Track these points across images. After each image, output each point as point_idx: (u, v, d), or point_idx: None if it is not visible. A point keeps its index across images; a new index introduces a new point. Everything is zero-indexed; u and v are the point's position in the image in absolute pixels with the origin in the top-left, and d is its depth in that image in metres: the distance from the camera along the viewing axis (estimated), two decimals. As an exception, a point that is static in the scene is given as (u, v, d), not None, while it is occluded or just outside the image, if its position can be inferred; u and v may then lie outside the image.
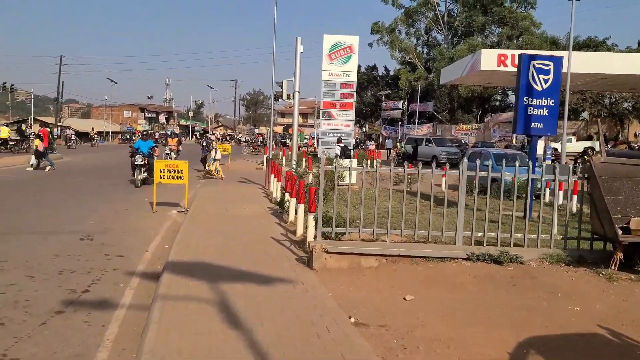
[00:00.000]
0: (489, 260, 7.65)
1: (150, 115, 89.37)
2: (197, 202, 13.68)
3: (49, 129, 34.56)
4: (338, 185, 17.24)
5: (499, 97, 70.38)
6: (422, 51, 70.85)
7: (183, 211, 12.59)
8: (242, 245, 8.52)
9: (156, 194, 12.70)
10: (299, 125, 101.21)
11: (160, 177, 12.50)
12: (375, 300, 6.15)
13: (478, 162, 8.54)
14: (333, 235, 8.17)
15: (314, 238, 7.94)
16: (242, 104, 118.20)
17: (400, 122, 69.17)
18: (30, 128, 47.62)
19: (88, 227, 10.31)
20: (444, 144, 36.45)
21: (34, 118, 70.29)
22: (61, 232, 9.72)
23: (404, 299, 6.24)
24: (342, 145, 19.94)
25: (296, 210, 10.08)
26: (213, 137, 28.66)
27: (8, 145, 31.88)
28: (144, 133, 20.87)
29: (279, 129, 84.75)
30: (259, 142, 51.15)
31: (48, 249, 8.34)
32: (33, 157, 20.94)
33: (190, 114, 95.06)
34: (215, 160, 21.44)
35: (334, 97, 32.95)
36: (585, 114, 56.81)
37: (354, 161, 18.24)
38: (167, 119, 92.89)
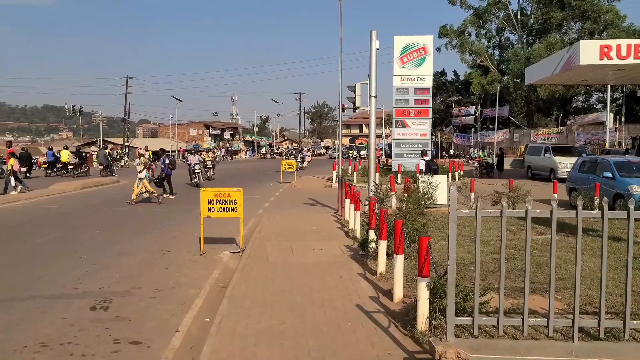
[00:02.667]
0: None
1: (215, 132, 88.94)
2: (256, 237, 10.98)
3: (107, 150, 33.34)
4: (425, 208, 14.25)
5: (581, 98, 65.05)
6: (494, 53, 67.08)
7: (238, 252, 9.93)
8: (315, 331, 5.59)
9: (204, 229, 10.12)
10: (364, 136, 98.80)
11: (209, 209, 9.87)
12: None
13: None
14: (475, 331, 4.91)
15: (431, 327, 4.96)
16: (307, 117, 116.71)
17: (473, 129, 65.29)
18: (107, 149, 47.30)
19: (111, 282, 7.77)
20: (568, 152, 27.62)
21: (103, 139, 71.12)
22: (73, 295, 7.20)
23: None
24: (427, 159, 16.80)
25: (388, 255, 7.17)
26: (142, 151, 24.43)
27: (69, 169, 30.75)
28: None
29: (345, 140, 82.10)
30: (295, 155, 48.44)
31: (39, 331, 5.78)
32: (12, 178, 18.93)
33: (255, 129, 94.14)
34: (141, 180, 17.52)
35: (407, 104, 29.92)
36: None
37: (443, 177, 15.10)
38: (233, 135, 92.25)
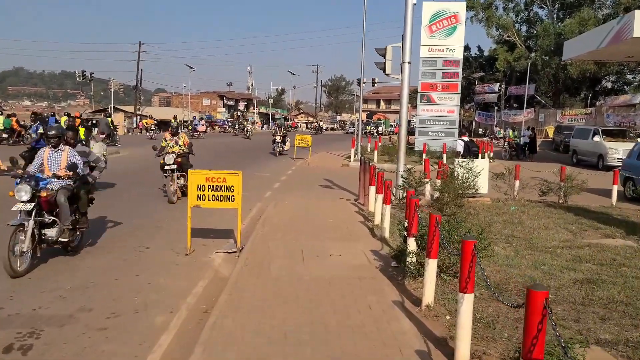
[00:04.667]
0: None
1: (229, 103, 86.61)
2: (259, 232, 8.81)
3: (110, 118, 31.30)
4: (466, 198, 11.98)
5: (612, 78, 61.80)
6: (521, 29, 63.84)
7: (234, 251, 7.80)
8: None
9: (196, 218, 7.99)
10: (382, 112, 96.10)
11: (199, 197, 7.70)
12: None
13: None
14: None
15: None
16: (324, 90, 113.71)
17: (496, 107, 62.44)
18: (110, 117, 45.24)
19: (54, 298, 5.66)
20: (621, 136, 24.26)
21: (114, 107, 69.14)
22: (10, 310, 5.12)
23: None
24: (466, 139, 14.45)
25: (440, 274, 4.99)
26: None
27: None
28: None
29: (362, 116, 79.59)
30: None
31: None
32: None
33: (271, 101, 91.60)
34: None
35: (434, 77, 27.37)
36: None
37: (485, 162, 12.77)
38: (247, 107, 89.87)
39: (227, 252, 7.90)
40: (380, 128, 66.24)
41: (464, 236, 4.31)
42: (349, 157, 24.51)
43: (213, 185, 7.66)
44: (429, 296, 5.22)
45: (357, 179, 14.37)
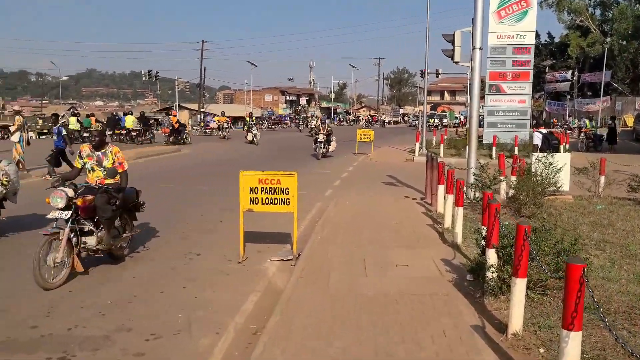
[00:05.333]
0: None
1: (291, 98, 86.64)
2: (318, 236, 8.12)
3: (175, 116, 31.50)
4: (547, 195, 10.85)
5: (697, 64, 57.39)
6: (594, 12, 60.25)
7: (290, 259, 7.14)
8: None
9: (249, 222, 7.40)
10: (446, 104, 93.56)
11: (251, 200, 7.08)
12: None
13: None
14: None
15: None
16: (386, 83, 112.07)
17: (568, 96, 59.25)
18: (176, 116, 45.88)
19: (92, 316, 5.17)
20: None
21: (179, 105, 70.53)
22: (21, 344, 4.65)
23: None
24: (544, 131, 13.21)
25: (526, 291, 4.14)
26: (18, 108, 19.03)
27: (132, 136, 29.18)
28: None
29: (426, 108, 77.80)
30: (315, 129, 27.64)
31: None
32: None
33: (332, 95, 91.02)
34: (17, 144, 14.23)
35: (503, 65, 25.89)
36: None
37: (566, 156, 11.55)
38: (309, 102, 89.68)
39: (282, 260, 7.26)
40: (445, 120, 64.42)
41: (568, 257, 3.43)
42: (413, 152, 23.48)
43: (266, 188, 7.02)
44: (516, 322, 4.34)
45: (422, 175, 13.46)
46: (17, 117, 14.41)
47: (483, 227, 5.99)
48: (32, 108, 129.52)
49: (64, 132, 15.01)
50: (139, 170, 17.18)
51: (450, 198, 8.42)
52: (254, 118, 37.50)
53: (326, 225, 8.83)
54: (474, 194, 10.09)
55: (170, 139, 28.48)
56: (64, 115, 57.46)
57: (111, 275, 6.47)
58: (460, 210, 7.46)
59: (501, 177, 10.26)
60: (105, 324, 5.00)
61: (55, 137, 14.96)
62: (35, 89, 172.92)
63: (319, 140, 21.85)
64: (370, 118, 70.47)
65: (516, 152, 20.61)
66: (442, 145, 23.25)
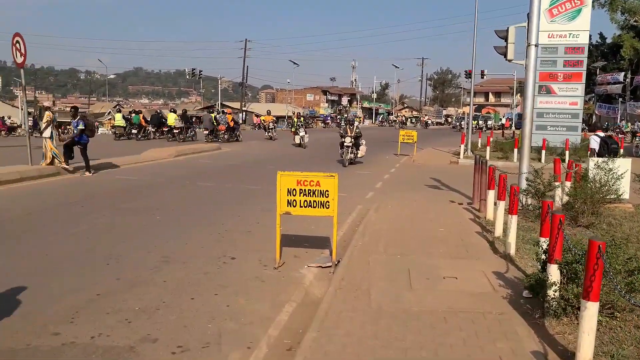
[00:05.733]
0: None
1: (332, 98, 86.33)
2: (358, 243, 7.66)
3: (213, 114, 31.57)
4: (605, 204, 10.09)
5: None
6: (650, 12, 57.74)
7: (329, 266, 6.73)
8: None
9: (286, 223, 7.05)
10: (490, 105, 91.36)
11: (289, 203, 6.68)
12: None
13: None
14: None
15: None
16: (429, 84, 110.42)
17: (620, 99, 56.94)
18: (219, 113, 46.11)
19: (117, 323, 4.86)
20: None
21: (221, 103, 71.09)
22: (42, 351, 4.37)
23: None
24: (601, 134, 12.40)
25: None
26: (48, 103, 18.43)
27: (174, 133, 29.39)
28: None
29: (468, 109, 76.51)
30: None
31: None
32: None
33: (374, 95, 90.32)
34: (47, 139, 14.20)
35: (554, 65, 24.80)
36: None
37: (627, 161, 10.77)
38: (350, 102, 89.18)
39: (320, 267, 6.84)
40: (489, 122, 62.92)
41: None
42: (458, 154, 22.74)
43: (305, 190, 6.61)
44: (586, 352, 3.79)
45: (468, 178, 12.87)
46: (46, 113, 14.39)
47: (542, 238, 5.43)
48: (80, 105, 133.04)
49: (81, 127, 14.53)
50: (179, 167, 17.09)
51: (502, 205, 7.83)
52: (302, 118, 36.19)
53: (367, 230, 8.36)
54: (526, 200, 9.46)
55: (226, 136, 29.38)
56: (109, 112, 58.45)
57: (142, 277, 6.17)
58: (514, 219, 6.87)
59: (556, 184, 9.58)
60: (130, 333, 4.68)
61: (75, 131, 14.60)
62: (85, 86, 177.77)
63: (345, 144, 18.46)
64: (404, 119, 68.58)
65: (567, 156, 19.68)
66: (488, 148, 22.43)
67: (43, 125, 14.38)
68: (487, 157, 20.05)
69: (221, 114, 31.90)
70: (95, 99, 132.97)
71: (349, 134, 18.42)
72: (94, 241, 7.74)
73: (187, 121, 29.70)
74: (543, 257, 5.02)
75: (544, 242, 5.20)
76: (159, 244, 7.63)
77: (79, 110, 15.25)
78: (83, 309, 5.18)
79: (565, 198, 9.65)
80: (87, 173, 14.28)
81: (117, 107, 39.58)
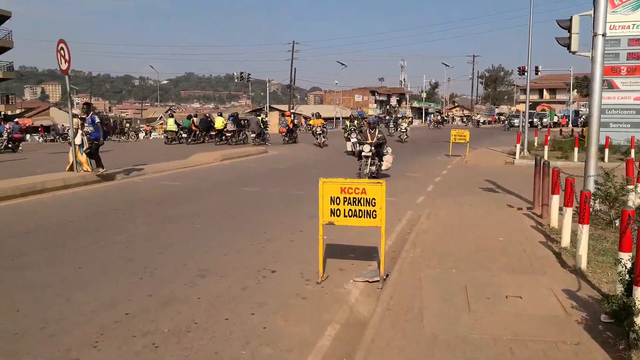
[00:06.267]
0: None
1: (381, 98, 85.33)
2: (408, 255, 7.05)
3: (260, 117, 31.44)
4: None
5: None
6: None
7: (376, 281, 6.16)
8: None
9: (329, 232, 6.51)
10: (545, 102, 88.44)
11: (332, 212, 6.15)
12: None
13: None
14: None
15: None
16: (480, 82, 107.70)
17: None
18: (266, 116, 46.18)
19: (142, 349, 4.44)
20: None
21: (270, 106, 71.37)
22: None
23: None
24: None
25: None
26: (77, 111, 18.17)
27: (223, 137, 29.46)
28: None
29: (522, 107, 74.09)
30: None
31: None
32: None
33: (424, 95, 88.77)
34: (77, 146, 13.88)
35: (617, 58, 23.32)
36: None
37: None
38: (399, 102, 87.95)
39: (367, 281, 6.27)
40: (545, 120, 60.58)
41: None
42: (514, 154, 21.66)
43: (350, 198, 6.06)
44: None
45: (526, 180, 12.07)
46: (75, 120, 14.34)
47: (623, 254, 4.70)
48: (135, 110, 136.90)
49: (97, 120, 14.08)
50: (224, 171, 16.83)
51: (569, 212, 7.05)
52: (356, 122, 29.69)
53: (418, 240, 7.73)
54: (594, 205, 8.60)
55: (286, 138, 29.98)
56: (161, 117, 59.52)
57: (175, 294, 5.77)
58: (585, 229, 6.10)
59: (629, 187, 8.67)
60: (156, 361, 4.25)
61: (90, 128, 13.98)
62: (139, 92, 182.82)
63: (363, 153, 14.49)
64: (440, 119, 65.73)
65: (632, 154, 18.38)
66: (546, 147, 21.25)
67: (71, 133, 14.42)
68: (545, 157, 18.98)
69: (266, 116, 32.02)
70: (148, 104, 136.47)
71: (370, 141, 14.64)
72: (131, 251, 7.43)
73: (239, 124, 29.72)
74: (627, 277, 4.29)
75: (627, 260, 4.47)
76: (196, 255, 7.24)
77: (92, 106, 15.01)
78: (110, 331, 4.79)
79: (639, 201, 8.76)
80: (101, 169, 14.14)
81: (169, 111, 40.12)
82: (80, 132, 13.89)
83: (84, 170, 13.88)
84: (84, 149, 13.85)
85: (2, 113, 45.46)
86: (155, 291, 5.82)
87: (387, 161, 15.08)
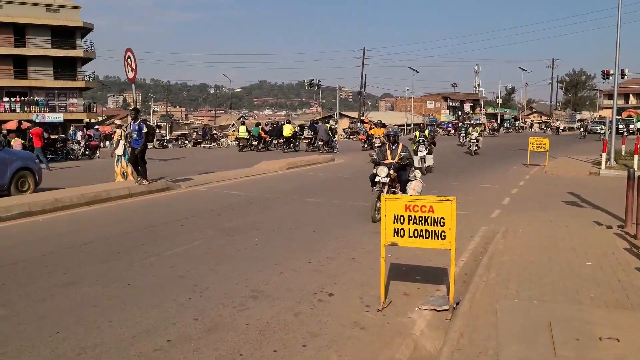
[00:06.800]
0: None
1: (454, 104, 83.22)
2: (482, 280, 6.30)
3: (328, 124, 31.14)
4: None
5: None
6: None
7: (444, 310, 5.50)
8: None
9: (393, 255, 5.89)
10: (633, 108, 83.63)
11: (395, 232, 5.53)
12: None
13: None
14: None
15: None
16: (560, 87, 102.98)
17: None
18: (336, 123, 45.97)
19: (202, 358, 4.02)
20: None
21: (340, 113, 71.17)
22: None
23: None
24: None
25: None
26: (118, 122, 17.04)
27: (291, 145, 29.48)
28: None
29: (607, 112, 70.09)
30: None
31: None
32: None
33: (499, 100, 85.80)
34: (120, 157, 13.93)
35: None
36: None
37: None
38: (473, 108, 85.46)
39: (435, 310, 5.60)
40: (631, 126, 56.95)
41: None
42: (599, 164, 20.09)
43: (415, 217, 5.42)
44: None
45: (614, 193, 10.97)
46: (117, 131, 14.45)
47: None
48: (210, 117, 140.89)
49: (144, 129, 13.10)
50: (289, 180, 16.48)
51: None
52: (426, 132, 21.71)
53: (493, 262, 6.95)
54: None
55: (366, 145, 30.12)
56: (233, 124, 60.56)
57: (222, 318, 5.33)
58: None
59: None
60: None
61: (135, 135, 13.15)
62: (213, 100, 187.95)
63: (378, 178, 10.28)
64: (495, 126, 61.81)
65: None
66: (635, 157, 19.55)
67: (115, 142, 14.52)
68: (635, 167, 17.43)
69: (335, 123, 32.04)
70: (222, 111, 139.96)
71: (389, 160, 10.67)
72: (184, 267, 7.10)
73: (315, 131, 29.83)
74: None
75: None
76: (250, 274, 6.80)
77: (140, 113, 14.44)
78: (146, 362, 4.40)
79: None
80: (144, 181, 13.45)
81: (241, 119, 40.61)
82: (122, 142, 13.99)
83: (126, 180, 14.07)
84: (127, 158, 13.92)
85: (84, 120, 47.64)
86: (202, 314, 5.41)
87: (412, 189, 10.09)
